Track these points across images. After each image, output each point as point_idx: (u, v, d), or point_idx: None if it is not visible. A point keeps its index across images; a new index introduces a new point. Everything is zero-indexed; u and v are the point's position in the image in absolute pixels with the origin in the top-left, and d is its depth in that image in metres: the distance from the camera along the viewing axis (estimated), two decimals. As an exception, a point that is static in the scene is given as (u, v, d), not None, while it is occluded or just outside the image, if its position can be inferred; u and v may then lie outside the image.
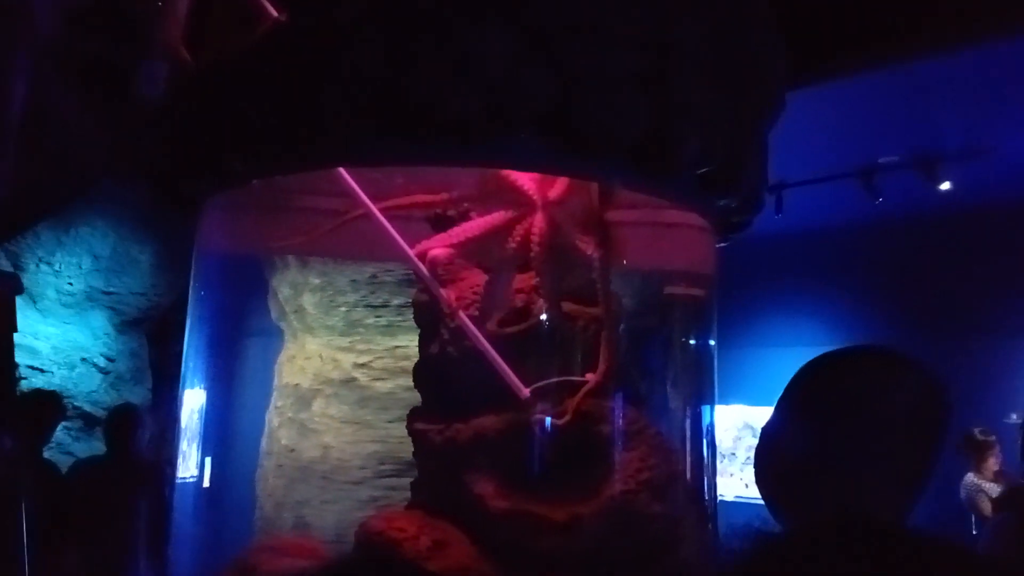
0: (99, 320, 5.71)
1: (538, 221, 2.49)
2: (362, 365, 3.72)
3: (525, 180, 2.49)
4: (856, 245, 6.63)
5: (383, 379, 3.59)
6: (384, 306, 3.57)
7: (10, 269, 4.91)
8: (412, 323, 2.76)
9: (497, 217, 2.52)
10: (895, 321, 6.38)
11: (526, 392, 2.32)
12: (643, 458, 2.40)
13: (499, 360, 2.34)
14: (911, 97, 4.68)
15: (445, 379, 2.50)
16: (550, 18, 1.99)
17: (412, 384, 2.69)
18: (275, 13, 2.06)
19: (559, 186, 2.52)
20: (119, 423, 4.19)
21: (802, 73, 4.02)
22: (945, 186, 5.47)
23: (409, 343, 3.36)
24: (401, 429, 2.64)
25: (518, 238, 2.49)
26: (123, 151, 3.02)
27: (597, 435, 2.41)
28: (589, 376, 2.44)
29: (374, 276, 3.64)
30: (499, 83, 1.95)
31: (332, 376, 3.85)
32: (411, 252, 2.49)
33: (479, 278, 2.56)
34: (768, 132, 2.59)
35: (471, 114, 1.95)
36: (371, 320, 3.61)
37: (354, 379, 3.68)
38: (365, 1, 2.02)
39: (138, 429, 4.07)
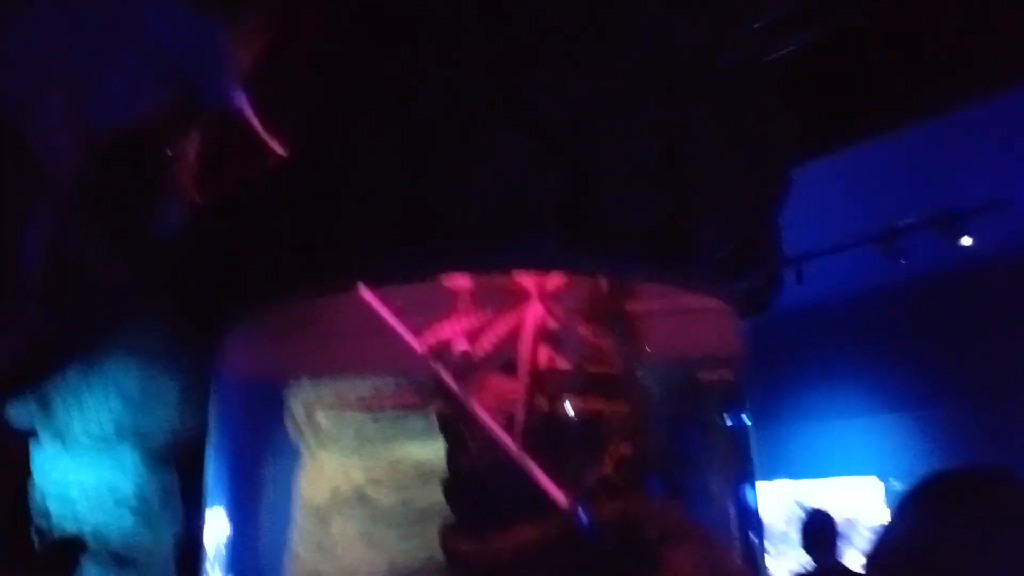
0: (129, 458, 5.69)
1: (534, 314, 2.47)
2: (373, 480, 3.67)
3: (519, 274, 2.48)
4: (885, 309, 6.54)
5: (389, 493, 3.53)
6: (384, 418, 3.55)
7: (39, 411, 4.92)
8: (409, 432, 2.74)
9: (485, 315, 2.50)
10: (933, 383, 6.22)
11: (564, 500, 2.25)
12: (689, 556, 2.30)
13: (534, 468, 2.28)
14: (923, 157, 4.69)
15: (477, 493, 2.43)
16: (558, 119, 2.02)
17: (414, 496, 2.64)
18: (279, 150, 2.11)
19: (557, 278, 2.50)
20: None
21: (813, 144, 4.07)
22: (966, 241, 5.41)
23: (408, 453, 3.32)
24: (410, 544, 2.58)
25: (508, 332, 2.47)
26: (144, 289, 3.07)
27: (639, 536, 2.32)
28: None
29: (375, 389, 3.64)
30: (512, 188, 1.97)
31: (347, 493, 3.80)
32: (427, 356, 2.47)
33: (504, 384, 2.52)
34: (779, 210, 2.58)
35: (487, 223, 1.96)
36: (374, 432, 3.59)
37: (365, 495, 3.62)
38: (374, 121, 2.06)
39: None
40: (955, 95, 3.98)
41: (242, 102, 2.11)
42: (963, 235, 5.36)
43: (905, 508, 1.17)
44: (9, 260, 1.76)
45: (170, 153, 2.41)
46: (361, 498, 3.46)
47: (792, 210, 2.66)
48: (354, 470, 3.45)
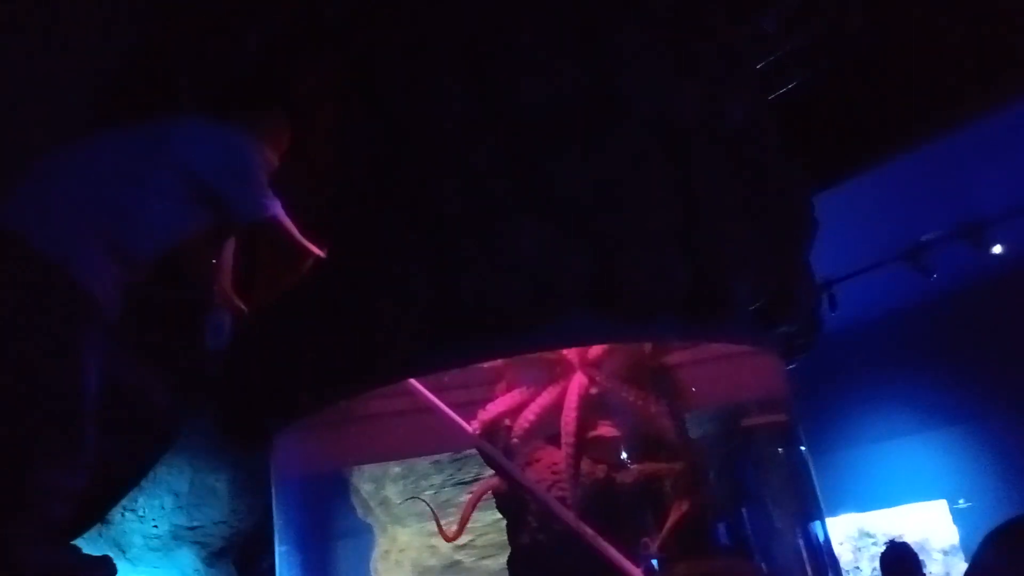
0: (187, 557, 5.69)
1: (577, 384, 2.47)
2: (463, 546, 3.58)
3: None
4: (923, 324, 6.45)
5: (491, 556, 3.44)
6: (477, 479, 3.47)
7: (100, 525, 4.94)
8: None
9: (530, 389, 2.51)
10: (984, 394, 6.10)
11: (637, 571, 2.22)
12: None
13: (599, 540, 2.26)
14: (944, 171, 4.68)
15: (541, 569, 2.41)
16: (575, 198, 2.05)
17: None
18: (319, 252, 2.16)
19: (596, 346, 2.51)
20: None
21: (833, 170, 4.08)
22: (997, 249, 5.37)
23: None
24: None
25: (553, 403, 2.46)
26: (195, 399, 3.10)
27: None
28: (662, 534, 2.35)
29: (458, 453, 3.56)
30: (539, 270, 1.99)
31: (431, 563, 3.70)
32: (478, 438, 2.47)
33: (556, 456, 2.52)
34: (808, 252, 2.59)
35: (519, 306, 1.98)
36: (463, 498, 3.53)
37: (458, 562, 3.53)
38: (403, 221, 2.10)
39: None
40: (967, 108, 3.98)
41: (277, 209, 2.15)
42: (992, 244, 5.32)
43: (992, 546, 1.16)
44: (72, 400, 1.80)
45: (213, 264, 2.45)
46: (451, 567, 3.40)
47: (818, 236, 2.64)
48: (438, 540, 3.39)
